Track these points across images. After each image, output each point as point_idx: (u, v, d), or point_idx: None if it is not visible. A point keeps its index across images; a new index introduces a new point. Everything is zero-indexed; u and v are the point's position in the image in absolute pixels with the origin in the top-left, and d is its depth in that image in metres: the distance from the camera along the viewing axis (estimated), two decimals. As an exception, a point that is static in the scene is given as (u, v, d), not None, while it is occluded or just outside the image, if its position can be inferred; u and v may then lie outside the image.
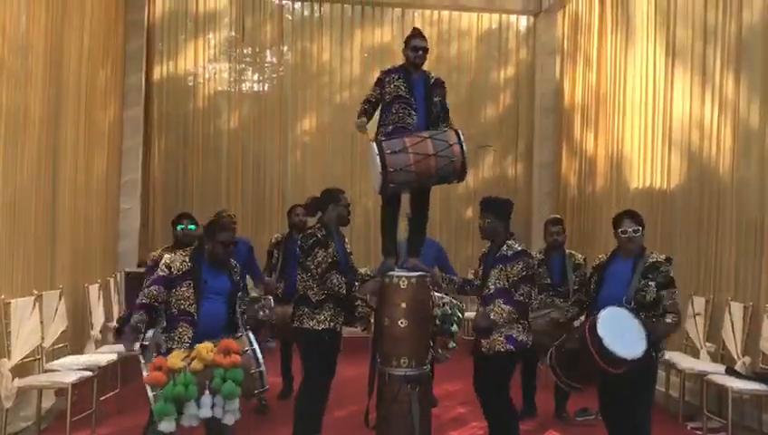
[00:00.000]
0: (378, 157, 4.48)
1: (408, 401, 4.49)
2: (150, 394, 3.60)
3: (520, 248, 4.50)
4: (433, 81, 4.84)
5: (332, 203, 4.83)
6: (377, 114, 4.84)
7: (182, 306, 3.99)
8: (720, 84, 6.39)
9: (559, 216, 6.73)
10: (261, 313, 5.28)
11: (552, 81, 10.05)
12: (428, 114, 4.76)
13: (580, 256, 6.02)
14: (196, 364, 3.67)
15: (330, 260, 4.68)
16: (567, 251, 5.97)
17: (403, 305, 4.58)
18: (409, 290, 4.59)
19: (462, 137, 4.57)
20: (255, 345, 3.91)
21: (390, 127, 4.67)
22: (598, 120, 8.81)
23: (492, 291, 4.49)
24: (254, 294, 6.01)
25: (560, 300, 5.52)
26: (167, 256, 4.28)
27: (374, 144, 4.58)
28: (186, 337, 3.93)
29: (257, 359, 3.87)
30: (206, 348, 3.72)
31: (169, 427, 3.57)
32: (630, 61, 8.02)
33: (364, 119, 4.75)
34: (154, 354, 3.93)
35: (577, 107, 9.42)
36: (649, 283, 4.26)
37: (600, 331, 4.13)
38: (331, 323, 4.72)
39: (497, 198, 4.82)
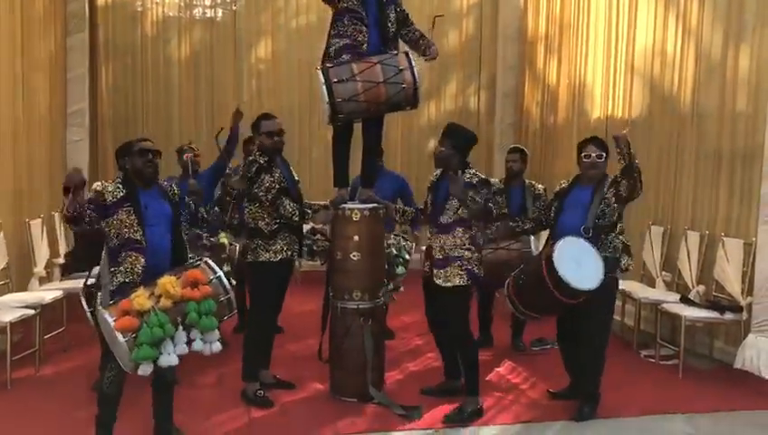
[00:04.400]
0: (324, 86, 4.22)
1: (361, 334, 4.43)
2: (122, 340, 3.36)
3: (483, 177, 4.32)
4: None
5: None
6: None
7: (126, 234, 3.63)
8: (684, 12, 6.22)
9: (519, 145, 6.60)
10: (225, 267, 5.09)
11: (516, 9, 9.76)
12: (382, 32, 4.48)
13: (540, 186, 5.90)
14: (165, 302, 3.45)
15: (278, 186, 4.50)
16: (527, 181, 5.87)
17: (356, 238, 4.47)
18: (362, 223, 4.47)
19: (413, 61, 4.32)
20: (220, 272, 3.72)
21: (342, 42, 4.38)
22: (561, 49, 8.61)
23: (451, 220, 4.31)
24: (223, 240, 5.84)
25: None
26: (97, 183, 3.97)
27: (320, 72, 4.29)
28: (138, 266, 3.61)
29: (224, 285, 3.70)
30: (170, 282, 3.48)
31: (148, 369, 3.41)
32: (595, -13, 7.79)
33: None
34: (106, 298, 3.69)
35: (541, 36, 9.19)
36: (610, 200, 4.23)
37: (557, 262, 4.10)
38: (288, 253, 4.58)
39: (460, 128, 4.56)
